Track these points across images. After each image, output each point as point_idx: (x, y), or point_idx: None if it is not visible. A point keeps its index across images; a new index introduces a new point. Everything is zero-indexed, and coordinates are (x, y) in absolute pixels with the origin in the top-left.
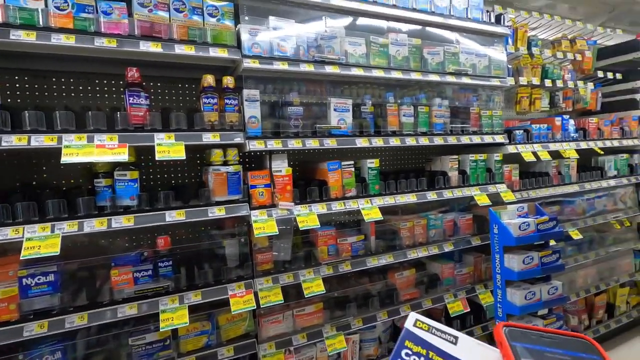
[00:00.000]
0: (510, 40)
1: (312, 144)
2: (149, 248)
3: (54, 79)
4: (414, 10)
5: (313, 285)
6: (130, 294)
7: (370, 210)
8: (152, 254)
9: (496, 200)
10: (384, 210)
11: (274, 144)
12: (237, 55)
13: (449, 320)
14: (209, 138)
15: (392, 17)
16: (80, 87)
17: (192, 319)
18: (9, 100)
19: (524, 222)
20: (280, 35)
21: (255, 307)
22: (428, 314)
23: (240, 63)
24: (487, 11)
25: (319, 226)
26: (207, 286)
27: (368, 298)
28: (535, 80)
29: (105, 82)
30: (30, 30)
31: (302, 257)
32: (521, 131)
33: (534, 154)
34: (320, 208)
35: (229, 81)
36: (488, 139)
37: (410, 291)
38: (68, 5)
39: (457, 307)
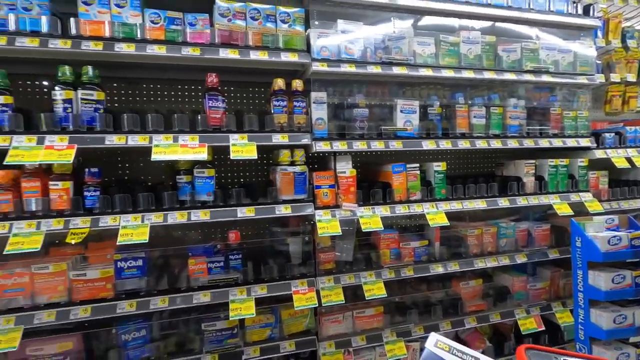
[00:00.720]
0: (599, 33)
1: (378, 145)
2: (218, 241)
3: (144, 85)
4: (489, 5)
5: (374, 288)
6: (205, 282)
7: (436, 215)
8: (224, 247)
9: (579, 210)
10: (449, 215)
11: (340, 145)
12: (307, 59)
13: (519, 338)
14: (278, 139)
15: (465, 14)
16: (165, 92)
17: (257, 311)
18: (108, 105)
19: (614, 236)
20: (348, 38)
21: (317, 305)
22: (495, 328)
23: (309, 66)
24: (574, 1)
25: (382, 229)
26: (272, 281)
27: (430, 306)
28: (631, 77)
29: (185, 87)
30: (130, 42)
31: (362, 259)
32: (612, 134)
33: (628, 159)
34: (383, 210)
35: (298, 84)
36: (571, 143)
37: (476, 302)
38: (160, 18)
39: (529, 324)
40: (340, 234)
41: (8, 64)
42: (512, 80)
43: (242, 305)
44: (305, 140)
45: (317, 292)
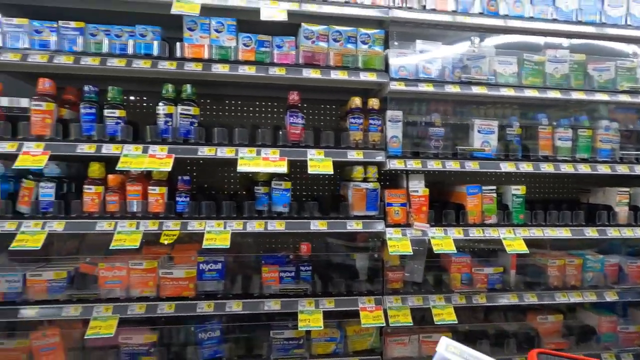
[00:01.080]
0: None
1: (453, 165)
2: (289, 252)
3: (226, 101)
4: (579, 23)
5: (444, 312)
6: (276, 290)
7: (513, 241)
8: (295, 257)
9: None
10: (527, 242)
11: (414, 164)
12: (385, 78)
13: None
14: (354, 155)
15: (551, 33)
16: (245, 108)
17: (324, 324)
18: (201, 118)
19: None
20: (426, 58)
21: (384, 325)
22: None
23: (386, 85)
24: None
25: (455, 251)
26: (339, 295)
27: (503, 338)
28: None
29: (263, 103)
30: (225, 63)
31: (431, 282)
32: None
33: None
34: (456, 233)
35: (374, 103)
36: None
37: (555, 340)
38: (252, 41)
39: None
40: (411, 253)
41: (120, 82)
42: (604, 101)
43: (311, 317)
44: (380, 158)
45: (385, 312)
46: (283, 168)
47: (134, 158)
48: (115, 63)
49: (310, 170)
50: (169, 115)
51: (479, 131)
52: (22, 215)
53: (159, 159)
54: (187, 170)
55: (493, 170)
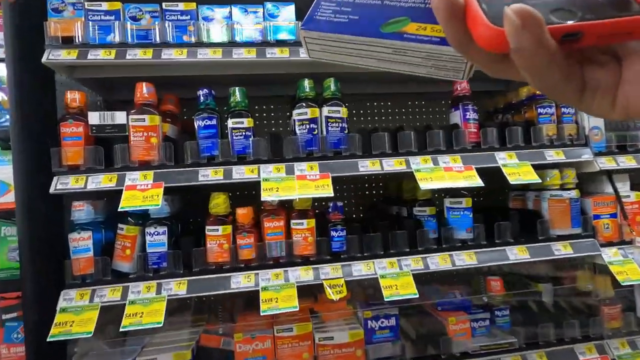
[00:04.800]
0: None
1: None
2: (454, 289)
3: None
4: None
5: None
6: (474, 348)
7: None
8: (487, 299)
9: None
10: None
11: (625, 161)
12: None
13: None
14: (552, 155)
15: None
16: (381, 108)
17: None
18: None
19: None
20: None
21: None
22: None
23: None
24: None
25: None
26: (549, 345)
27: None
28: None
29: (377, 103)
30: None
31: None
32: None
33: None
34: None
35: None
36: None
37: None
38: None
39: None
40: None
41: (217, 86)
42: None
43: None
44: (587, 156)
45: None
46: (476, 180)
47: (278, 182)
48: (244, 54)
49: (511, 180)
50: (313, 120)
51: None
52: (126, 276)
53: (312, 181)
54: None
55: None
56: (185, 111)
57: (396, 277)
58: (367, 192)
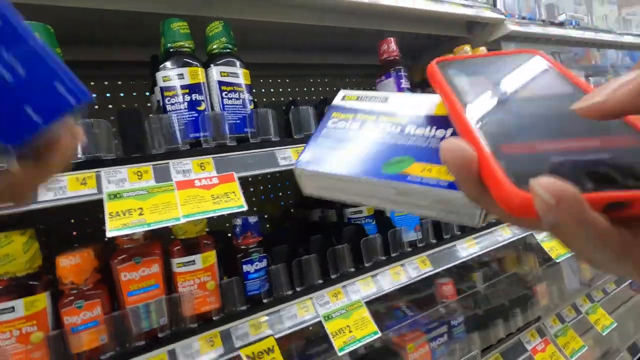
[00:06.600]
0: None
1: None
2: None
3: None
4: None
5: None
6: None
7: None
8: (443, 310)
9: None
10: None
11: None
12: None
13: None
14: None
15: None
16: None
17: None
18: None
19: None
20: None
21: None
22: None
23: None
24: None
25: None
26: (500, 342)
27: None
28: None
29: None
30: None
31: None
32: None
33: None
34: None
35: None
36: None
37: None
38: None
39: None
40: None
41: None
42: None
43: None
44: None
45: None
46: None
47: (141, 199)
48: None
49: None
50: (196, 87)
51: None
52: None
53: (205, 189)
54: None
55: None
56: None
57: (346, 313)
58: (272, 195)
